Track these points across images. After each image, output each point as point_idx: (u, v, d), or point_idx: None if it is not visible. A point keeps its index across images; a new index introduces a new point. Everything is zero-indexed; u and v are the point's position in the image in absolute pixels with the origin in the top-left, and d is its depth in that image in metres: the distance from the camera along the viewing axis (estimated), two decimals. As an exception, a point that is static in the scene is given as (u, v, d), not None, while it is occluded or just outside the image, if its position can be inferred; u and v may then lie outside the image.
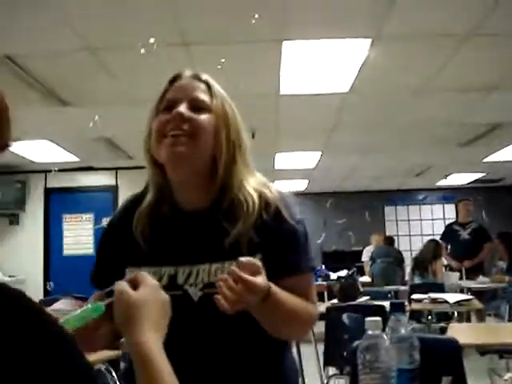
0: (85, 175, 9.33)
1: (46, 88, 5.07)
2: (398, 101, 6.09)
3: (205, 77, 1.47)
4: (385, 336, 1.26)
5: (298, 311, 1.39)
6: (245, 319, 1.28)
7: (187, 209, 1.47)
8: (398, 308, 1.35)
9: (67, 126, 6.31)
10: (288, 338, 1.54)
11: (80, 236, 9.14)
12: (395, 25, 4.07)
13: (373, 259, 9.82)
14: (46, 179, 9.15)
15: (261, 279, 1.22)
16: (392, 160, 9.65)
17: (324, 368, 4.68)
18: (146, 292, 0.98)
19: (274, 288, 1.29)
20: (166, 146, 1.37)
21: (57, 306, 4.49)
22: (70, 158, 8.20)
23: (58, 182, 9.19)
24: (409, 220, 13.81)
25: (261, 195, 1.45)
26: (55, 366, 0.59)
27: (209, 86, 1.45)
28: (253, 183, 1.46)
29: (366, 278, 9.81)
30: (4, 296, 0.61)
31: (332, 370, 4.67)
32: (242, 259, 1.22)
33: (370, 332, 1.27)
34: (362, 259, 11.20)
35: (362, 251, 11.62)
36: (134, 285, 1.00)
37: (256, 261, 1.24)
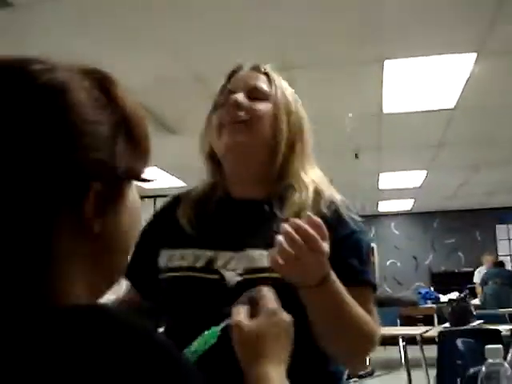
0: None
1: (154, 116, 5.28)
2: (505, 115, 5.85)
3: (265, 68, 1.40)
4: (506, 364, 1.20)
5: (357, 318, 1.18)
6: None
7: (239, 198, 1.38)
8: (519, 335, 1.27)
9: (175, 153, 6.53)
10: (340, 353, 1.24)
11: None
12: (501, 38, 3.94)
13: (484, 281, 9.41)
14: (154, 204, 9.48)
15: (326, 246, 1.06)
16: (502, 176, 9.25)
17: (437, 394, 4.51)
18: (264, 321, 0.91)
19: (334, 276, 1.12)
20: (225, 135, 1.31)
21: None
22: (177, 183, 8.47)
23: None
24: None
25: (320, 189, 1.33)
26: None
27: (269, 77, 1.38)
28: (313, 176, 1.36)
29: (477, 301, 9.40)
30: (133, 335, 0.61)
31: (445, 397, 4.49)
32: (311, 215, 1.06)
33: (490, 360, 1.21)
34: (474, 280, 10.76)
35: (472, 272, 11.17)
36: (253, 304, 0.94)
37: (324, 227, 1.06)
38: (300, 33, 3.83)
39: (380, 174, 8.67)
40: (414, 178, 9.16)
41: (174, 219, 1.38)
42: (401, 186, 9.70)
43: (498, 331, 4.29)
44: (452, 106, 5.46)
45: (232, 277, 1.24)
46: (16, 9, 3.33)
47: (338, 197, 1.34)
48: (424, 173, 8.74)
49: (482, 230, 13.03)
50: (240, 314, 0.93)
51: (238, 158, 1.33)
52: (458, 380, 3.88)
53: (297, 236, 1.02)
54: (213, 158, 1.39)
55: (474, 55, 4.26)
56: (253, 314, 0.93)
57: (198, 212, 1.36)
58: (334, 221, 1.25)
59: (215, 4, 3.46)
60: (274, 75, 1.39)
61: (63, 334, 0.58)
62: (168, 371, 0.60)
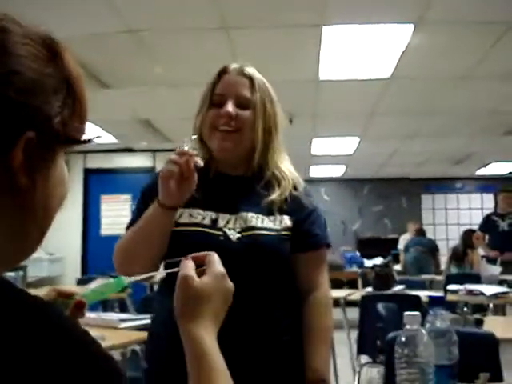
0: (123, 157, 9.41)
1: (87, 70, 5.11)
2: (440, 88, 5.98)
3: (248, 71, 1.67)
4: (423, 331, 1.24)
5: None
6: (277, 262, 1.59)
7: (231, 174, 1.72)
8: (437, 302, 1.30)
9: (107, 107, 6.37)
10: None
11: (118, 217, 9.24)
12: (439, 10, 3.99)
13: (406, 248, 9.71)
14: (85, 160, 9.26)
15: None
16: (432, 147, 9.50)
17: (357, 356, 4.66)
18: (213, 282, 0.92)
19: None
20: (217, 139, 1.63)
21: (93, 284, 4.59)
22: (109, 139, 8.28)
23: (96, 162, 9.29)
24: (446, 209, 13.59)
25: (292, 178, 1.71)
26: None
27: (252, 82, 1.66)
28: (287, 166, 1.73)
29: (399, 267, 9.70)
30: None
31: (364, 358, 4.64)
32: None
33: (408, 326, 1.24)
34: (399, 247, 11.09)
35: (397, 239, 11.50)
36: (200, 264, 0.94)
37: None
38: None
39: (313, 140, 8.74)
40: (347, 145, 9.28)
41: None
42: (333, 152, 9.82)
43: (418, 297, 4.45)
44: (388, 75, 5.52)
45: (233, 234, 1.59)
46: None
47: (302, 183, 1.74)
48: (357, 140, 8.87)
49: (408, 198, 13.42)
50: (188, 267, 0.93)
51: (226, 157, 1.68)
52: (378, 342, 4.01)
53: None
54: (203, 142, 1.69)
55: (411, 26, 4.31)
56: (199, 273, 0.93)
57: (200, 181, 1.56)
58: (303, 200, 1.68)
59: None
60: (256, 77, 1.67)
61: None
62: (88, 371, 0.58)
